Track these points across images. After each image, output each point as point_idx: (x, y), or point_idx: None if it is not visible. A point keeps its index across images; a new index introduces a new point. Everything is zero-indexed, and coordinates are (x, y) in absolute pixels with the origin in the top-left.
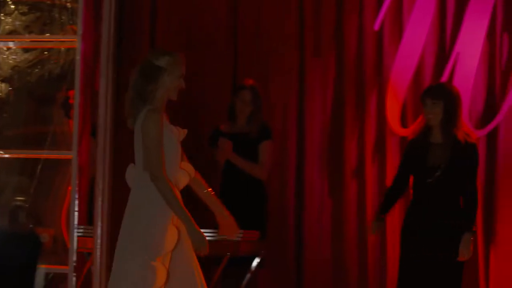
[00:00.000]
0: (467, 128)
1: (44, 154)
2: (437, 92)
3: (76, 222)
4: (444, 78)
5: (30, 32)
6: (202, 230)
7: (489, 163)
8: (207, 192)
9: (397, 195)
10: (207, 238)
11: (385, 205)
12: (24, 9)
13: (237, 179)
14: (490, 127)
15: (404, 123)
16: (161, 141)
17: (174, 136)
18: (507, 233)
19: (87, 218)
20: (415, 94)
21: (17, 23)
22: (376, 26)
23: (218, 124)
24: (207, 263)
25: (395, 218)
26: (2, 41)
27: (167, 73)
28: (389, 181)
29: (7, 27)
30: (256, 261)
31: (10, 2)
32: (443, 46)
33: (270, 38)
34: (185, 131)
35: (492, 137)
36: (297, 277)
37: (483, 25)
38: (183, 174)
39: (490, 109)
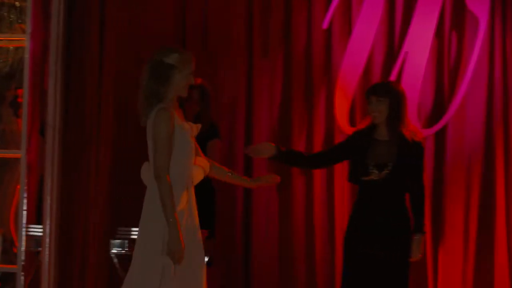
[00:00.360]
0: (413, 126)
1: None
2: (382, 90)
3: (24, 221)
4: (393, 77)
5: None
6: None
7: (438, 162)
8: (231, 174)
9: (310, 160)
10: None
11: (294, 152)
12: None
13: None
14: (438, 126)
15: (352, 122)
16: (169, 141)
17: (186, 132)
18: (455, 233)
19: (36, 217)
20: (364, 93)
21: None
22: (325, 25)
23: None
24: None
25: (344, 216)
26: None
27: (178, 70)
28: (337, 178)
29: None
30: (205, 260)
31: None
32: (392, 45)
33: (218, 38)
34: (199, 126)
35: (440, 136)
36: (245, 274)
37: (431, 24)
38: (197, 169)
39: (438, 108)
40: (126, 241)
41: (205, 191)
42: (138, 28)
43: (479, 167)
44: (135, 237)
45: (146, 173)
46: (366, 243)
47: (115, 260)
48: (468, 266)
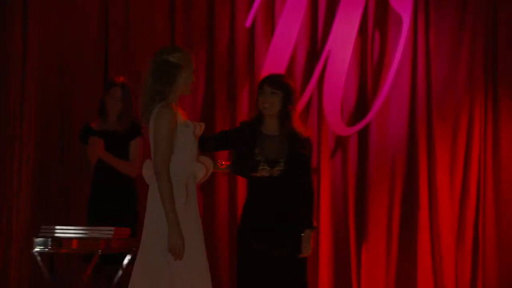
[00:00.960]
0: (300, 122)
1: None
2: (277, 82)
3: None
4: (316, 75)
5: None
6: (75, 227)
7: (361, 160)
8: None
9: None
10: (78, 236)
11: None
12: None
13: (108, 177)
14: (361, 124)
15: None
16: (171, 138)
17: (190, 130)
18: (378, 231)
19: None
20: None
21: None
22: (248, 23)
23: (89, 121)
24: (79, 261)
25: None
26: None
27: (183, 69)
28: None
29: None
30: (127, 258)
31: None
32: (315, 43)
33: (141, 34)
34: (203, 125)
35: (363, 135)
36: None
37: (354, 22)
38: (200, 167)
39: (361, 106)
40: (49, 239)
41: (128, 191)
42: (61, 25)
43: (402, 165)
44: (59, 235)
45: (147, 171)
46: (259, 240)
47: (38, 258)
48: (391, 263)
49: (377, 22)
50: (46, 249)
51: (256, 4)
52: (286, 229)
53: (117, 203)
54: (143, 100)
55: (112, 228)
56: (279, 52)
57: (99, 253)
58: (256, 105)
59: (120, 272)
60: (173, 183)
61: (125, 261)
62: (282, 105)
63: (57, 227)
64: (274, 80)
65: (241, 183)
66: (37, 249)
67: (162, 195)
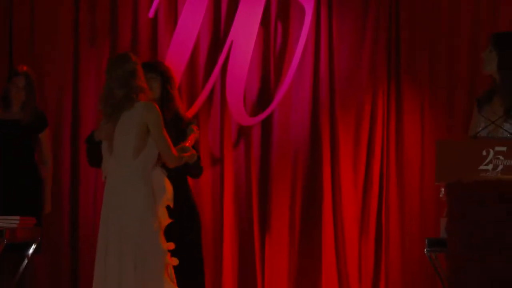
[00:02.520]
0: (182, 105)
1: None
2: (153, 67)
3: None
4: (219, 66)
5: None
6: None
7: (264, 151)
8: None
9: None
10: None
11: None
12: None
13: (14, 166)
14: (264, 114)
15: None
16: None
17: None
18: (282, 222)
19: None
20: (189, 82)
21: None
22: (151, 14)
23: None
24: None
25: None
26: None
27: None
28: None
29: None
30: (33, 247)
31: None
32: (218, 33)
33: (45, 26)
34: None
35: (266, 125)
36: (72, 262)
37: (257, 13)
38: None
39: (264, 96)
40: None
41: (33, 181)
42: None
43: (305, 155)
44: None
45: (110, 165)
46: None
47: None
48: (295, 254)
49: (280, 12)
50: None
51: None
52: (184, 220)
53: (22, 192)
54: (106, 101)
55: (18, 217)
56: (182, 43)
57: (4, 242)
58: None
59: (25, 261)
60: (145, 176)
61: (30, 250)
62: (163, 89)
63: None
64: (150, 66)
65: None
66: None
67: (189, 161)
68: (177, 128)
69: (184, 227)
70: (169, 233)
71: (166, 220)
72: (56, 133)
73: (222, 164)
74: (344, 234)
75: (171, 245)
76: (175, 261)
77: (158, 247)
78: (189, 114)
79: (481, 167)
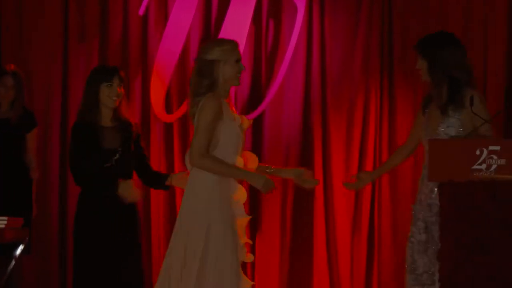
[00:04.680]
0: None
1: None
2: (120, 73)
3: None
4: None
5: None
6: None
7: (255, 149)
8: (273, 170)
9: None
10: None
11: None
12: None
13: (2, 166)
14: (256, 113)
15: (168, 109)
16: (211, 128)
17: (236, 124)
18: (273, 221)
19: None
20: (180, 80)
21: None
22: (141, 11)
23: None
24: None
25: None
26: None
27: (222, 63)
28: (155, 167)
29: None
30: (20, 248)
31: None
32: (208, 32)
33: (33, 23)
34: (250, 120)
35: (258, 124)
36: (61, 263)
37: (248, 10)
38: (240, 162)
39: (255, 94)
40: None
41: (22, 181)
42: None
43: (296, 153)
44: None
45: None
46: (101, 229)
47: None
48: (286, 253)
49: (272, 10)
50: None
51: None
52: (131, 217)
53: (10, 192)
54: (190, 98)
55: (6, 217)
56: (173, 41)
57: None
58: (91, 98)
59: (13, 262)
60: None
61: (18, 251)
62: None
63: None
64: (119, 71)
65: None
66: None
67: (218, 171)
68: (125, 132)
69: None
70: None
71: None
72: (44, 133)
73: None
74: (336, 233)
75: None
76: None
77: None
78: (180, 113)
79: (475, 167)
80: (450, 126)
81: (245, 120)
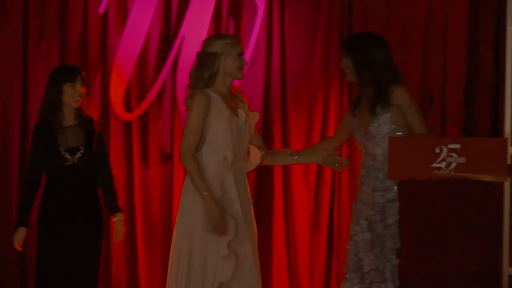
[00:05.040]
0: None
1: None
2: (82, 73)
3: None
4: (169, 62)
5: None
6: None
7: None
8: (297, 156)
9: (36, 190)
10: None
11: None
12: None
13: None
14: None
15: (128, 108)
16: (199, 124)
17: (225, 119)
18: None
19: None
20: (139, 79)
21: None
22: (101, 10)
23: None
24: None
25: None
26: None
27: (224, 56)
28: (115, 165)
29: None
30: None
31: None
32: (168, 30)
33: None
34: (256, 114)
35: None
36: (21, 273)
37: (209, 9)
38: (230, 156)
39: None
40: None
41: None
42: None
43: None
44: None
45: None
46: (62, 227)
47: None
48: None
49: (232, 8)
50: None
51: None
52: (92, 215)
53: None
54: (188, 91)
55: None
56: (132, 39)
57: None
58: (53, 98)
59: None
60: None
61: None
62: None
63: None
64: (81, 71)
65: None
66: None
67: (191, 177)
68: (87, 130)
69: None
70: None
71: None
72: (4, 133)
73: (172, 162)
74: (295, 232)
75: None
76: None
77: None
78: (139, 111)
79: (434, 165)
80: (382, 124)
81: (251, 115)
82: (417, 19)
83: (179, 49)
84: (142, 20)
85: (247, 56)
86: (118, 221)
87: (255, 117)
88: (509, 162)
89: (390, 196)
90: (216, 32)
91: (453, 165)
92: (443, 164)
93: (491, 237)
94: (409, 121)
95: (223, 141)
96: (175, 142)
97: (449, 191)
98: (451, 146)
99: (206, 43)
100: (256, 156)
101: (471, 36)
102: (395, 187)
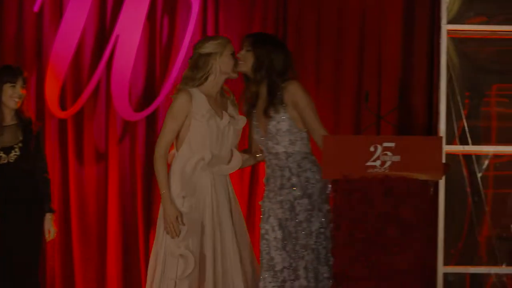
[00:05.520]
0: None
1: None
2: (20, 71)
3: None
4: (104, 60)
5: None
6: None
7: (149, 146)
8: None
9: None
10: None
11: None
12: None
13: None
14: (149, 110)
15: (63, 106)
16: (174, 121)
17: (206, 119)
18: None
19: None
20: (75, 77)
21: None
22: (36, 8)
23: None
24: None
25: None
26: None
27: (218, 55)
28: (50, 163)
29: None
30: None
31: None
32: (103, 28)
33: None
34: (244, 119)
35: (151, 120)
36: None
37: (143, 7)
38: (208, 157)
39: (150, 91)
40: None
41: None
42: None
43: None
44: None
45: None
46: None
47: None
48: None
49: (166, 6)
50: None
51: None
52: (29, 213)
53: None
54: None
55: None
56: (68, 37)
57: None
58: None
59: None
60: (176, 172)
61: None
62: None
63: None
64: (23, 73)
65: None
66: None
67: (156, 174)
68: (25, 130)
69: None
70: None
71: None
72: None
73: (106, 160)
74: None
75: None
76: None
77: None
78: (74, 109)
79: (369, 163)
80: (281, 122)
81: (239, 119)
82: (352, 15)
83: (114, 47)
84: (77, 18)
85: (182, 53)
86: (48, 220)
87: (242, 121)
88: (443, 161)
89: (297, 193)
90: (151, 30)
91: (388, 163)
92: (377, 163)
93: (426, 236)
94: (305, 119)
95: (201, 141)
96: (109, 140)
97: (384, 190)
98: (385, 144)
99: (198, 45)
100: (236, 160)
101: (406, 33)
102: (306, 184)
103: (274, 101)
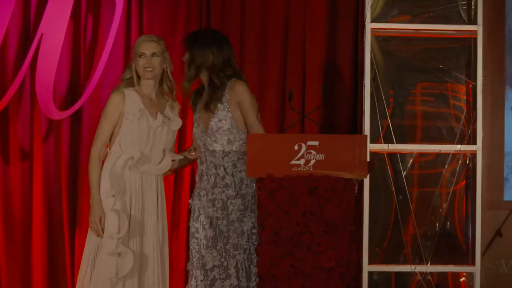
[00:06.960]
0: None
1: None
2: None
3: None
4: (28, 59)
5: None
6: None
7: (73, 145)
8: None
9: None
10: None
11: None
12: None
13: None
14: (74, 108)
15: None
16: (109, 121)
17: (136, 119)
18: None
19: None
20: None
21: None
22: None
23: None
24: None
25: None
26: None
27: (136, 56)
28: None
29: None
30: None
31: None
32: (27, 27)
33: None
34: (179, 121)
35: (76, 119)
36: None
37: (67, 6)
38: (137, 156)
39: (74, 90)
40: None
41: None
42: None
43: None
44: None
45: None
46: None
47: None
48: None
49: (90, 5)
50: None
51: None
52: None
53: None
54: None
55: None
56: None
57: None
58: None
59: None
60: (106, 170)
61: None
62: None
63: None
64: None
65: None
66: None
67: (89, 173)
68: None
69: None
70: None
71: None
72: None
73: (31, 159)
74: None
75: None
76: None
77: None
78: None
79: (293, 162)
80: (223, 120)
81: (174, 120)
82: (276, 15)
83: (38, 46)
84: (1, 16)
85: (106, 52)
86: None
87: (177, 123)
88: (368, 159)
89: (231, 193)
90: (75, 29)
91: (312, 162)
92: (302, 161)
93: (351, 234)
94: (247, 120)
95: (130, 139)
96: (34, 139)
97: (309, 188)
98: (310, 143)
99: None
100: (167, 161)
101: (330, 32)
102: (240, 184)
103: (215, 96)
